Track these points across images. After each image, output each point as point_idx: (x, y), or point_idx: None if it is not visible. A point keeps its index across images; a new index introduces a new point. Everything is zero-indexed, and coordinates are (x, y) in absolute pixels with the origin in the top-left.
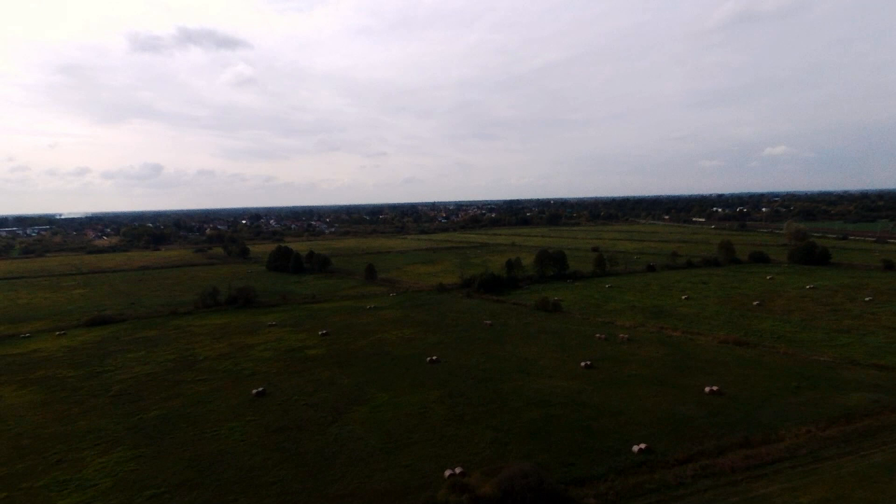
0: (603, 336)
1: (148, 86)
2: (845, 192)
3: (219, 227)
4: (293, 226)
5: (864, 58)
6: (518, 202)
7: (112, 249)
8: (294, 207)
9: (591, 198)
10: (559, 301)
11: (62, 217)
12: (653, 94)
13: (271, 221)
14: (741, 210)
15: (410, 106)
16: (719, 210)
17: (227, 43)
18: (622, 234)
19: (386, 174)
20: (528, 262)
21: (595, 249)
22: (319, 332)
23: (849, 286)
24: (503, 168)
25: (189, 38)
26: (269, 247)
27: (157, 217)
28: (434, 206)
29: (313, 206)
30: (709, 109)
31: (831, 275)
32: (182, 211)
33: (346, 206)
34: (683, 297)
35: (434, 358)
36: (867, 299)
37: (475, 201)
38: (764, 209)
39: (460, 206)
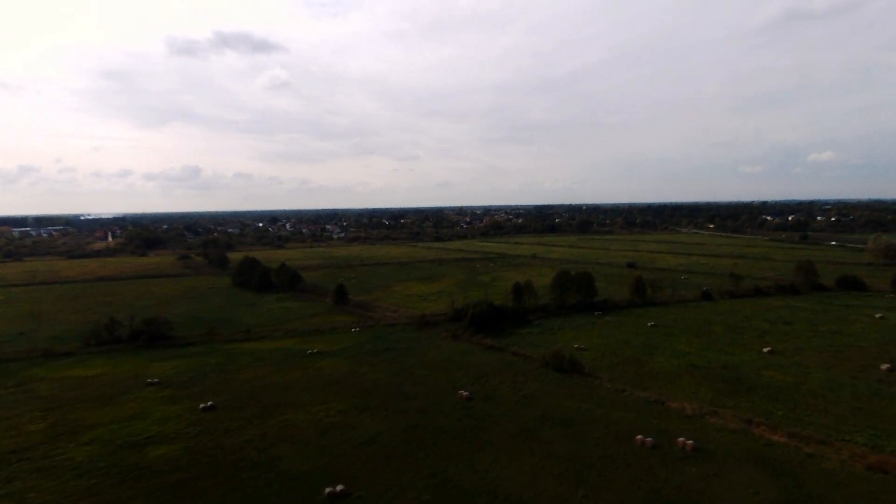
0: (650, 441)
1: (187, 90)
2: None
3: (229, 230)
4: (305, 230)
5: None
6: (548, 207)
7: (97, 254)
8: (325, 210)
9: (626, 203)
10: (580, 352)
11: (88, 217)
12: (692, 98)
13: (287, 225)
14: (796, 219)
15: (444, 110)
16: (769, 218)
17: (262, 47)
18: (662, 244)
19: (419, 178)
20: (545, 283)
21: (631, 265)
22: (201, 406)
23: None
24: (536, 172)
25: (225, 42)
26: (257, 256)
27: (183, 218)
28: (461, 211)
29: (343, 210)
30: (751, 113)
31: None
32: (218, 213)
33: (377, 209)
34: (765, 350)
35: (339, 489)
36: None
37: (505, 206)
38: (819, 218)
39: (488, 211)
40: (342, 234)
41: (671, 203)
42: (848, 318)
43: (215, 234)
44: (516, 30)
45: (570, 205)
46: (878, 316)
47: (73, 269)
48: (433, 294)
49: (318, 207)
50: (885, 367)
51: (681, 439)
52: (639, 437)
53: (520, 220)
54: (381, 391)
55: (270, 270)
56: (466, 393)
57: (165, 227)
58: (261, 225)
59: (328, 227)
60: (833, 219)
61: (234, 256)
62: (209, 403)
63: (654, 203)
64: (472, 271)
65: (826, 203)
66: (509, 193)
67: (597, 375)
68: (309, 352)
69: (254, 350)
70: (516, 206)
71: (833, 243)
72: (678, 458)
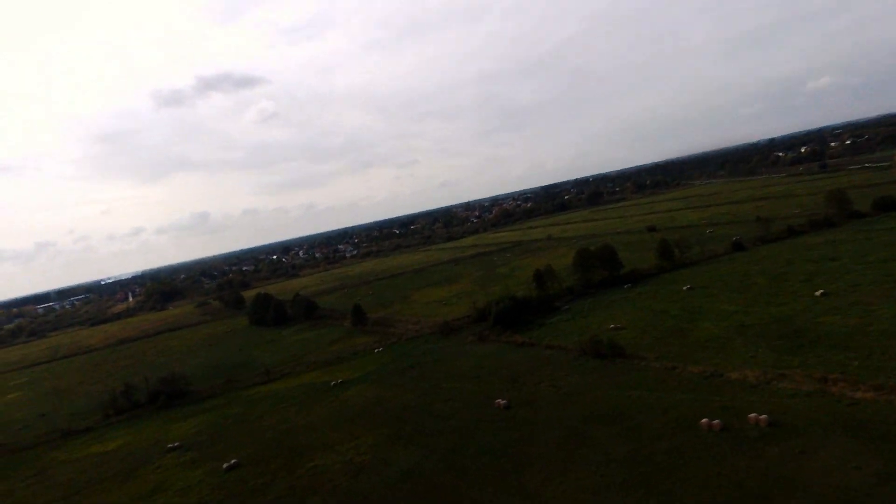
0: (717, 424)
1: (182, 139)
2: None
3: (244, 268)
4: (318, 254)
5: None
6: (555, 186)
7: (118, 317)
8: (335, 231)
9: (633, 167)
10: (617, 332)
11: (108, 281)
12: (680, 51)
13: (300, 253)
14: (810, 149)
15: (435, 110)
16: (781, 155)
17: (245, 83)
18: (678, 201)
19: (421, 181)
20: (566, 264)
21: (652, 228)
22: (224, 465)
23: None
24: (537, 154)
25: (208, 85)
26: (273, 288)
27: (198, 265)
28: (468, 206)
29: (353, 227)
30: (741, 54)
31: None
32: (232, 253)
33: (386, 219)
34: (818, 294)
35: None
36: None
37: (511, 193)
38: (833, 144)
39: (495, 201)
40: (355, 252)
41: (678, 158)
42: None
43: (230, 275)
44: (491, 17)
45: (577, 179)
46: None
47: (96, 336)
48: (453, 297)
49: (328, 229)
50: None
51: (752, 415)
52: (703, 420)
53: (529, 205)
54: (412, 415)
55: (285, 303)
56: (503, 401)
57: (183, 276)
58: (274, 257)
59: (340, 247)
60: (848, 142)
61: (251, 294)
62: (232, 462)
63: (661, 161)
64: (489, 265)
65: (836, 128)
66: (514, 180)
67: (640, 356)
68: (332, 383)
69: (275, 392)
70: (523, 191)
71: (855, 167)
72: (754, 439)
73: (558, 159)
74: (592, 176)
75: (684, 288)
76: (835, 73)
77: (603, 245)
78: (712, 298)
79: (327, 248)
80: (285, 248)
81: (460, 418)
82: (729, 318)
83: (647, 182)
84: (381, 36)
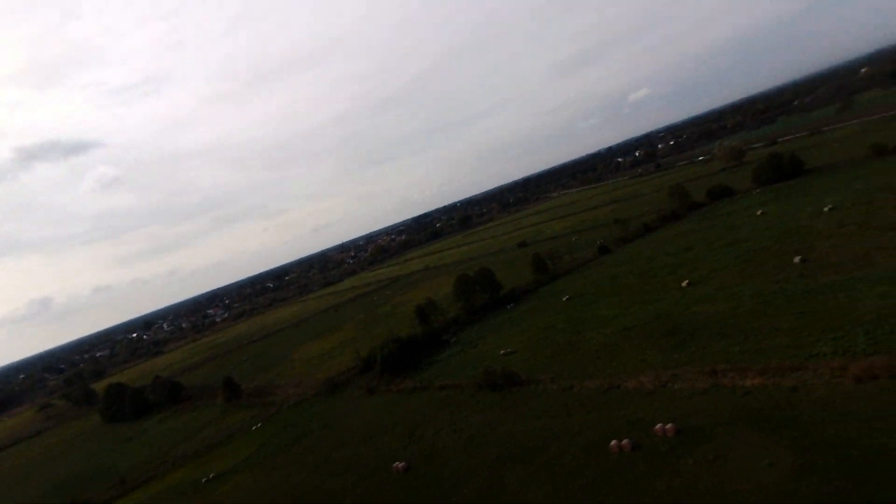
0: (627, 444)
1: (5, 219)
2: (711, 111)
3: (98, 354)
4: (185, 324)
5: None
6: (426, 216)
7: None
8: (204, 294)
9: (496, 188)
10: (509, 357)
11: None
12: (523, 75)
13: (164, 325)
14: (643, 152)
15: (296, 155)
16: (620, 160)
17: (75, 149)
18: (541, 215)
19: (292, 230)
20: (447, 294)
21: (522, 244)
22: None
23: (867, 198)
24: (405, 187)
25: (32, 155)
26: (133, 373)
27: (42, 359)
28: (343, 248)
29: (224, 287)
30: (573, 74)
31: (824, 186)
32: (84, 338)
33: (259, 274)
34: (684, 284)
35: None
36: None
37: (385, 228)
38: (660, 146)
39: (370, 239)
40: (226, 314)
41: (535, 174)
42: (736, 225)
43: (81, 365)
44: (335, 60)
45: (446, 206)
46: (759, 213)
47: None
48: (336, 348)
49: (197, 294)
50: (797, 259)
51: (658, 426)
52: (613, 442)
53: (403, 237)
54: (301, 502)
55: (144, 389)
56: (402, 464)
57: (21, 377)
58: (133, 336)
59: (210, 311)
60: (671, 142)
61: (105, 385)
62: None
63: (520, 179)
64: (370, 306)
65: (659, 131)
66: (386, 214)
67: (536, 379)
68: (204, 479)
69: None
70: (396, 224)
71: (683, 163)
72: (666, 453)
73: (426, 189)
74: (460, 201)
75: (564, 299)
76: (651, 85)
77: (480, 268)
78: (592, 305)
79: (195, 316)
80: (146, 322)
81: (357, 494)
82: (611, 322)
83: (511, 200)
84: (226, 88)
